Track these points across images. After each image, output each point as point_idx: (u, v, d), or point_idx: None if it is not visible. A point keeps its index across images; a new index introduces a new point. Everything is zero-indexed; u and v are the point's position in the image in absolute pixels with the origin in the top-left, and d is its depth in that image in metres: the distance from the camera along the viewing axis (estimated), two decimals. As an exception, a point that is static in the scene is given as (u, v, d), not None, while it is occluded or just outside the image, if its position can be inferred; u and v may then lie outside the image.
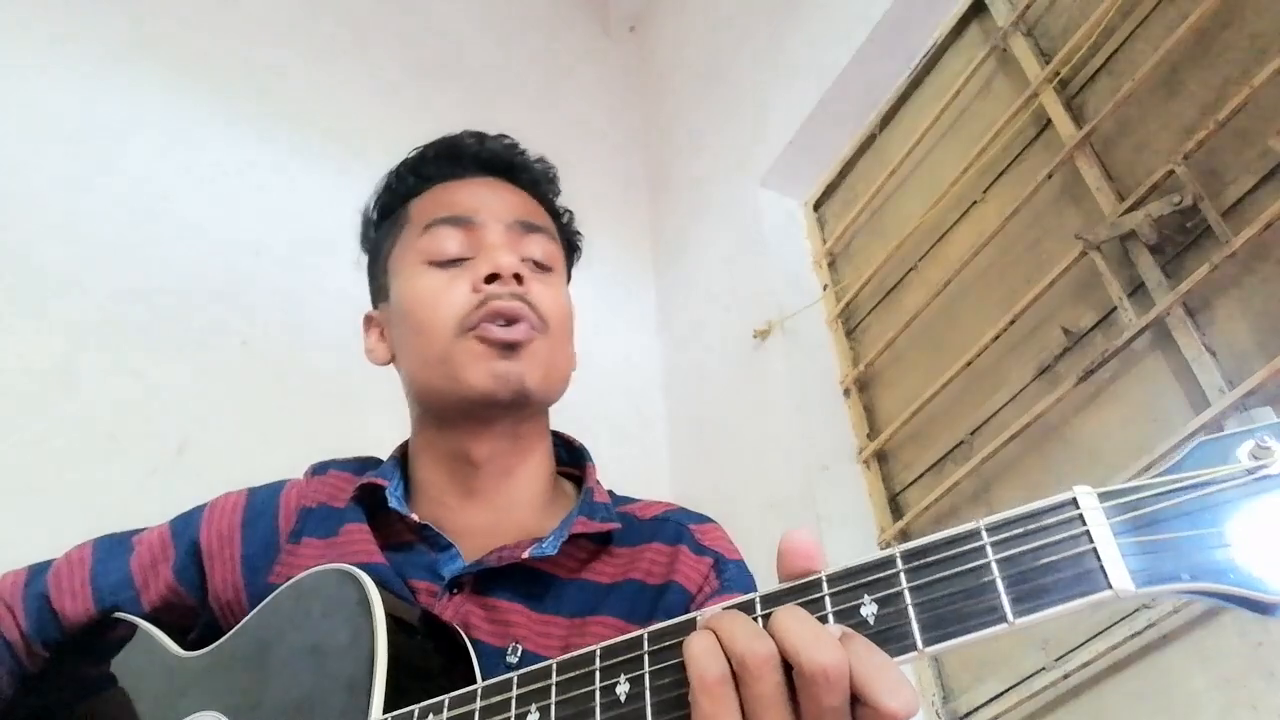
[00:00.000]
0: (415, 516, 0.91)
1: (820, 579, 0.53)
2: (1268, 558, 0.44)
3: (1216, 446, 0.47)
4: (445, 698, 0.64)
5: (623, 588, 0.87)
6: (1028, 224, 1.74)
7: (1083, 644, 1.40)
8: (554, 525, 0.90)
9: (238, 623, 0.87)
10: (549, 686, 0.58)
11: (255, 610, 0.85)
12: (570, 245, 1.09)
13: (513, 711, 0.59)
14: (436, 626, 0.81)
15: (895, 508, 1.87)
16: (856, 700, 0.49)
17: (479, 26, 2.90)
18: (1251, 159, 1.38)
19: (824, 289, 2.22)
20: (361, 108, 2.41)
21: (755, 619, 0.53)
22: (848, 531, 1.82)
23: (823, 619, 0.51)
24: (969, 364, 1.75)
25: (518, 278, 0.92)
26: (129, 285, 1.84)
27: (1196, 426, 1.32)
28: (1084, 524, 0.47)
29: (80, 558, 0.96)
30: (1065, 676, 1.41)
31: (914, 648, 0.49)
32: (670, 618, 0.57)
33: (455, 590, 0.86)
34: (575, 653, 0.58)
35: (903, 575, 0.50)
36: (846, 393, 2.06)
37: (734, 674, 0.50)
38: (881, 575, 0.51)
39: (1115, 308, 1.52)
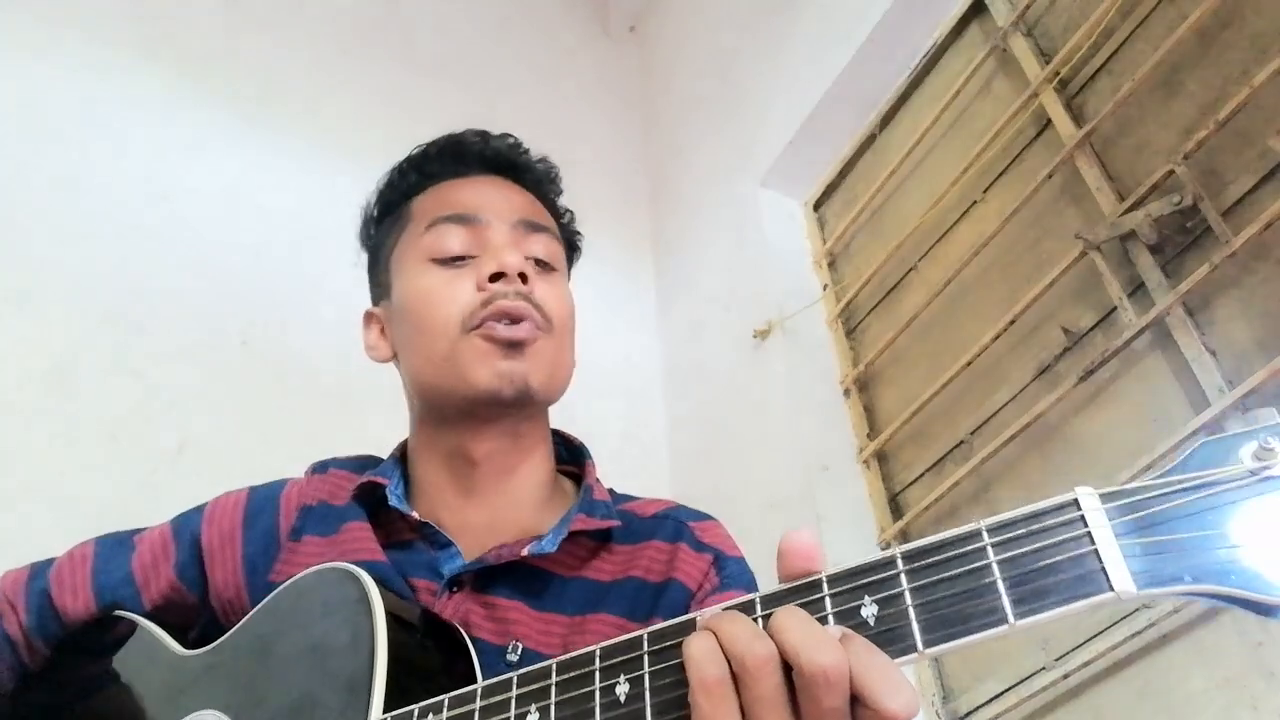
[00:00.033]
0: (415, 515, 0.91)
1: (820, 579, 0.53)
2: (1270, 559, 0.43)
3: (1219, 447, 0.47)
4: (445, 697, 0.64)
5: (623, 585, 0.87)
6: (1028, 224, 1.74)
7: (1083, 644, 1.40)
8: (553, 523, 0.90)
9: (239, 621, 0.87)
10: (549, 686, 0.58)
11: (256, 609, 0.85)
12: (571, 245, 1.09)
13: (512, 711, 0.59)
14: (437, 625, 0.81)
15: (895, 508, 1.87)
16: (857, 701, 0.49)
17: (479, 26, 2.90)
18: (1251, 159, 1.38)
19: (824, 289, 2.22)
20: (362, 107, 2.41)
21: (755, 619, 0.53)
22: (848, 531, 1.82)
23: (823, 620, 0.51)
24: (969, 364, 1.75)
25: (523, 277, 0.92)
26: (129, 285, 1.85)
27: (1197, 427, 1.32)
28: (1085, 525, 0.47)
29: (82, 555, 0.96)
30: (1065, 676, 1.41)
31: (914, 649, 0.49)
32: (671, 615, 0.57)
33: (455, 588, 0.86)
34: (575, 653, 0.58)
35: (903, 576, 0.50)
36: (846, 393, 2.06)
37: (734, 675, 0.50)
38: (882, 576, 0.51)
39: (1115, 308, 1.52)
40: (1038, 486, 1.59)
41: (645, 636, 0.56)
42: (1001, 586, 0.48)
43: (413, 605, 0.82)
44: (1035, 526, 0.48)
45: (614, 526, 0.90)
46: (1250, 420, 0.46)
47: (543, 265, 0.97)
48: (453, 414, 0.92)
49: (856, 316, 2.14)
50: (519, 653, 0.81)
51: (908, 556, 0.51)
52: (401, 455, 1.00)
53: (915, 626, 0.49)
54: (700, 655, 0.51)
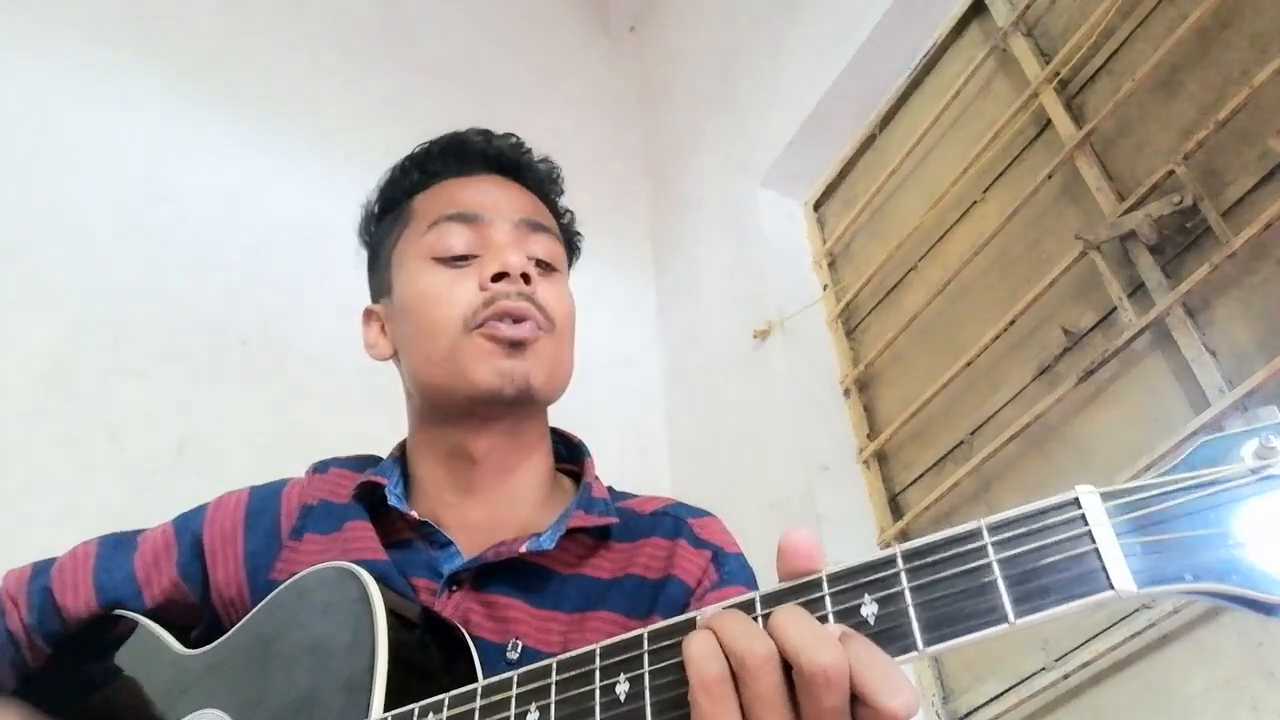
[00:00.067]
0: (414, 514, 0.91)
1: (820, 578, 0.53)
2: (1272, 558, 0.43)
3: (1220, 446, 0.47)
4: (445, 696, 0.64)
5: (622, 583, 0.87)
6: (1028, 224, 1.74)
7: (1083, 644, 1.40)
8: (552, 520, 0.90)
9: (240, 620, 0.87)
10: (549, 685, 0.58)
11: (257, 608, 0.86)
12: (570, 245, 1.09)
13: (512, 710, 0.59)
14: (437, 624, 0.81)
15: (895, 508, 1.87)
16: (856, 700, 0.49)
17: (479, 26, 2.90)
18: (1251, 159, 1.38)
19: (824, 289, 2.22)
20: (362, 108, 2.41)
21: (755, 618, 0.53)
22: (848, 531, 1.82)
23: (823, 619, 0.51)
24: (969, 364, 1.75)
25: (525, 278, 0.92)
26: (129, 285, 1.85)
27: (1197, 427, 1.32)
28: (1086, 524, 0.47)
29: (85, 554, 0.96)
30: (1065, 676, 1.41)
31: (914, 648, 0.49)
32: (670, 612, 0.57)
33: (454, 587, 0.87)
34: (575, 652, 0.58)
35: (903, 575, 0.50)
36: (846, 393, 2.06)
37: (733, 674, 0.50)
38: (882, 575, 0.51)
39: (1115, 308, 1.52)
40: (1038, 486, 1.59)
41: (645, 635, 0.56)
42: (1002, 585, 0.48)
43: (413, 604, 0.82)
44: (1035, 525, 0.48)
45: (612, 524, 0.91)
46: (1251, 419, 0.46)
47: (544, 265, 0.98)
48: (453, 412, 0.93)
49: (856, 316, 2.14)
50: (519, 651, 0.81)
51: (908, 555, 0.51)
52: (401, 454, 1.00)
53: (915, 625, 0.49)
54: (700, 654, 0.51)
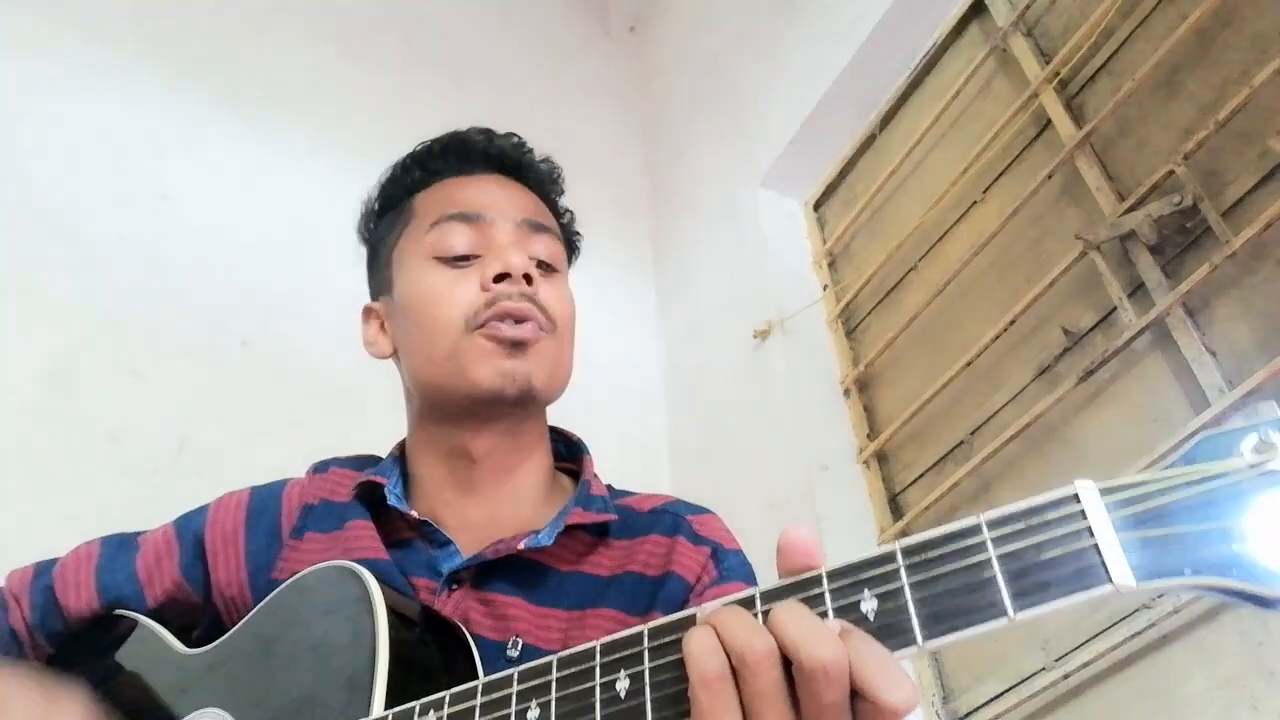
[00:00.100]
0: (414, 513, 0.91)
1: (820, 574, 0.53)
2: (1272, 552, 0.43)
3: (1219, 441, 0.47)
4: (445, 694, 0.64)
5: (621, 580, 0.87)
6: (1028, 224, 1.74)
7: (1083, 644, 1.40)
8: (551, 518, 0.90)
9: (242, 619, 0.87)
10: (549, 682, 0.58)
11: (258, 607, 0.86)
12: (570, 245, 1.09)
13: (513, 707, 0.59)
14: (437, 622, 0.81)
15: (895, 508, 1.87)
16: (856, 695, 0.49)
17: (479, 26, 2.91)
18: (1251, 159, 1.38)
19: (824, 289, 2.22)
20: (362, 108, 2.41)
21: (755, 615, 0.53)
22: (848, 531, 1.82)
23: (823, 614, 0.51)
24: (969, 364, 1.75)
25: (527, 278, 0.92)
26: (129, 285, 1.85)
27: (1196, 427, 1.32)
28: (1085, 518, 0.47)
29: (87, 554, 0.96)
30: (1065, 676, 1.41)
31: (914, 642, 0.49)
32: (669, 609, 0.57)
33: (454, 586, 0.87)
34: (575, 649, 0.58)
35: (903, 570, 0.50)
36: (846, 393, 2.06)
37: (733, 670, 0.50)
38: (882, 570, 0.51)
39: (1115, 308, 1.52)
40: (1037, 487, 1.57)
41: (645, 632, 0.56)
42: (1001, 580, 0.48)
43: (413, 603, 0.82)
44: (1035, 520, 0.48)
45: (611, 521, 0.91)
46: (1251, 414, 0.46)
47: (545, 266, 0.98)
48: (453, 412, 0.93)
49: (856, 316, 2.14)
50: (519, 648, 0.82)
51: (907, 551, 0.51)
52: (400, 454, 1.00)
53: (915, 620, 0.49)
54: (700, 650, 0.51)
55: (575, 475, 1.01)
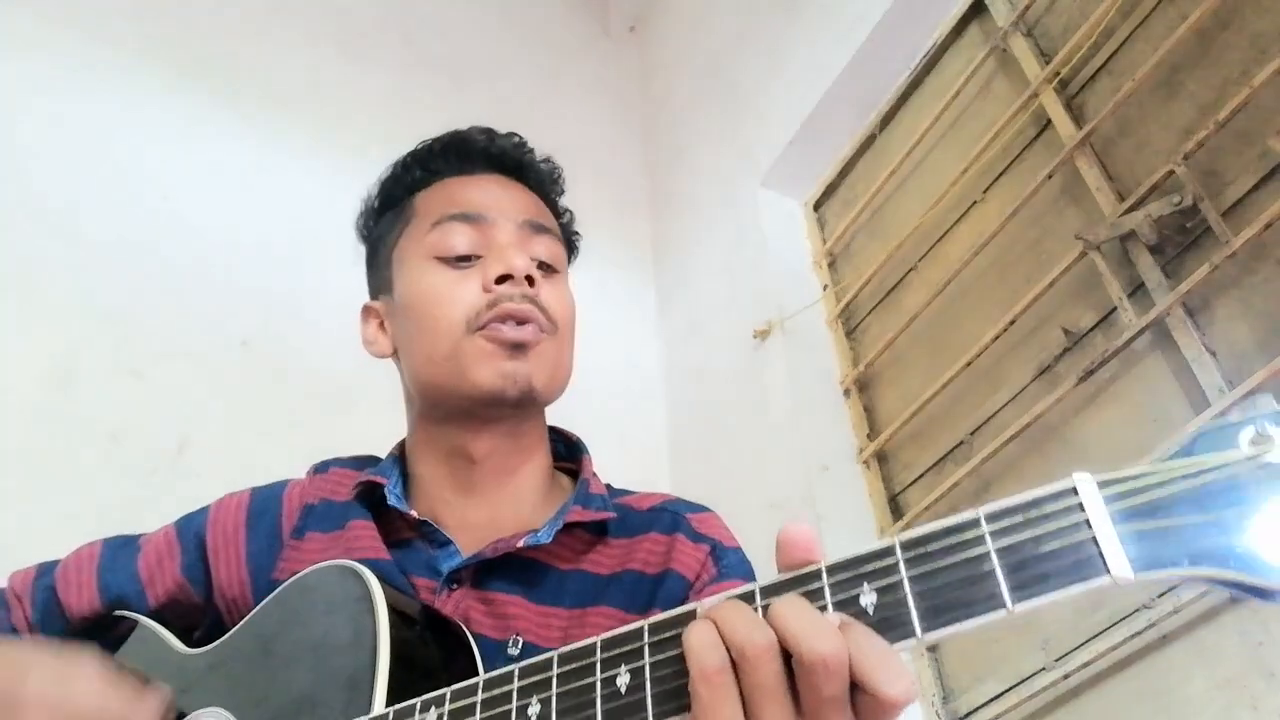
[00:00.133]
0: (414, 513, 0.91)
1: (820, 569, 0.53)
2: (1269, 543, 0.44)
3: (1217, 434, 0.47)
4: (447, 690, 0.64)
5: (621, 578, 0.87)
6: (1028, 224, 1.74)
7: (1083, 644, 1.40)
8: (550, 516, 0.90)
9: (242, 619, 0.87)
10: (550, 678, 0.58)
11: (259, 607, 0.86)
12: (569, 246, 1.09)
13: (514, 703, 0.59)
14: (438, 621, 0.81)
15: (895, 508, 1.87)
16: (856, 688, 0.49)
17: (479, 26, 2.91)
18: (1251, 159, 1.38)
19: (824, 289, 2.23)
20: (362, 108, 2.41)
21: (755, 609, 0.53)
22: (848, 531, 1.82)
23: (822, 609, 0.51)
24: (969, 364, 1.75)
25: (529, 280, 0.92)
26: (129, 285, 1.85)
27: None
28: (1083, 511, 0.47)
29: (89, 554, 0.97)
30: (1065, 677, 1.41)
31: (913, 635, 0.49)
32: (669, 606, 0.57)
33: (454, 585, 0.87)
34: (576, 644, 0.58)
35: (902, 564, 0.50)
36: (846, 393, 2.06)
37: (734, 664, 0.50)
38: (881, 564, 0.51)
39: (1115, 308, 1.52)
40: (1037, 487, 1.58)
41: (646, 627, 0.56)
42: (1000, 572, 0.48)
43: (414, 602, 0.82)
44: (1033, 513, 0.49)
45: (610, 519, 0.91)
46: (1248, 407, 0.47)
47: (546, 267, 0.98)
48: (453, 412, 0.93)
49: (856, 316, 2.15)
50: (520, 647, 0.82)
51: (906, 545, 0.51)
52: (400, 454, 1.00)
53: (914, 613, 0.49)
54: (700, 644, 0.51)
55: (574, 475, 1.01)
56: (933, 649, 1.68)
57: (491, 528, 0.91)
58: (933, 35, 2.08)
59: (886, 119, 2.18)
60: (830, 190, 2.34)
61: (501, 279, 0.91)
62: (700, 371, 2.41)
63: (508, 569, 0.87)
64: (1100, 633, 1.38)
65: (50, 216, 1.83)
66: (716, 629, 0.51)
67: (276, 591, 0.84)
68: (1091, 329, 1.58)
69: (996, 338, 1.71)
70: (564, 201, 1.10)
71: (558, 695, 0.57)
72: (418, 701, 0.65)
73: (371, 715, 0.68)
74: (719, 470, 2.19)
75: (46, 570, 0.96)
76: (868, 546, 0.52)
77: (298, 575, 0.83)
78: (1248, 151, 1.39)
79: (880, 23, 2.08)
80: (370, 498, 0.94)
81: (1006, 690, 1.51)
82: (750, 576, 0.88)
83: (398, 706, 0.67)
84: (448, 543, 0.90)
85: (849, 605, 0.51)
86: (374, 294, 1.04)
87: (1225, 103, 1.39)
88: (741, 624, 0.51)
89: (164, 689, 0.74)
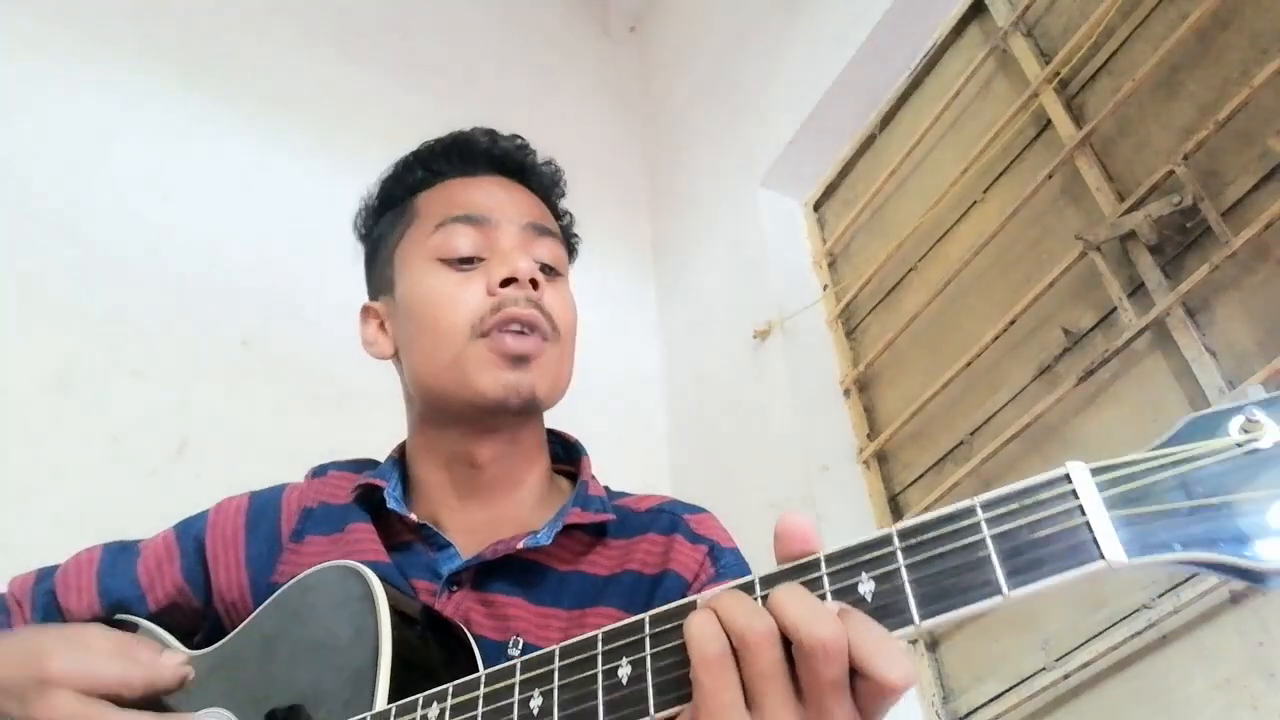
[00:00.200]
0: (413, 517, 0.91)
1: (818, 559, 0.53)
2: (1256, 527, 0.45)
3: (1207, 422, 0.48)
4: (449, 686, 0.64)
5: (620, 579, 0.88)
6: (1028, 224, 1.74)
7: (1083, 644, 1.40)
8: (549, 518, 0.91)
9: (242, 622, 0.87)
10: (551, 671, 0.58)
11: (260, 608, 0.86)
12: (570, 249, 1.09)
13: (516, 697, 0.59)
14: (439, 622, 0.81)
15: (895, 508, 1.87)
16: (855, 674, 0.49)
17: (480, 27, 2.91)
18: (1251, 159, 1.38)
19: (824, 289, 2.23)
20: (362, 108, 2.41)
21: (755, 599, 0.53)
22: (848, 531, 1.82)
23: (821, 598, 0.52)
24: (969, 364, 1.75)
25: (533, 283, 0.92)
26: (129, 285, 1.85)
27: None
28: (1076, 498, 0.48)
29: (88, 559, 0.97)
30: (1065, 677, 1.41)
31: (911, 622, 0.49)
32: None
33: (454, 588, 0.87)
34: (577, 639, 0.58)
35: (899, 553, 0.51)
36: (846, 393, 2.06)
37: (734, 651, 0.51)
38: (878, 553, 0.52)
39: (1115, 308, 1.52)
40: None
41: (646, 620, 0.56)
42: (995, 559, 0.48)
43: (415, 602, 0.82)
44: (1028, 501, 0.49)
45: (609, 521, 0.91)
46: (1238, 395, 0.47)
47: (549, 270, 0.98)
48: (455, 417, 0.93)
49: (856, 316, 2.15)
50: (520, 648, 0.82)
51: (903, 534, 0.51)
52: (400, 456, 1.00)
53: (911, 600, 0.50)
54: (701, 632, 0.52)
55: (572, 477, 1.01)
56: (933, 649, 1.68)
57: (491, 530, 0.91)
58: (933, 35, 2.08)
59: (886, 119, 2.18)
60: (830, 190, 2.34)
61: (506, 282, 0.91)
62: (700, 371, 2.41)
63: (507, 571, 0.87)
64: (1100, 633, 1.38)
65: (50, 217, 1.83)
66: (717, 618, 0.52)
67: (277, 593, 0.84)
68: (1091, 329, 1.58)
69: (996, 338, 1.71)
70: (564, 202, 1.10)
71: (559, 688, 0.57)
72: (420, 697, 0.65)
73: (374, 711, 0.68)
74: (719, 470, 2.19)
75: (46, 575, 0.96)
76: (866, 537, 0.53)
77: (299, 576, 0.83)
78: (1248, 151, 1.39)
79: (880, 23, 2.08)
80: (369, 500, 0.94)
81: (1006, 690, 1.51)
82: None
83: (400, 702, 0.67)
84: (447, 545, 0.90)
85: (847, 594, 0.51)
86: (374, 295, 1.04)
87: (1225, 103, 1.39)
88: (741, 612, 0.51)
89: (179, 652, 0.75)
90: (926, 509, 1.70)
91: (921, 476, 1.84)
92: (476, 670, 0.75)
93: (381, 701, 0.69)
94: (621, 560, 0.89)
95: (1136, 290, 1.50)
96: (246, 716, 0.77)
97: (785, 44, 2.43)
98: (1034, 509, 0.49)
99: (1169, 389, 1.42)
